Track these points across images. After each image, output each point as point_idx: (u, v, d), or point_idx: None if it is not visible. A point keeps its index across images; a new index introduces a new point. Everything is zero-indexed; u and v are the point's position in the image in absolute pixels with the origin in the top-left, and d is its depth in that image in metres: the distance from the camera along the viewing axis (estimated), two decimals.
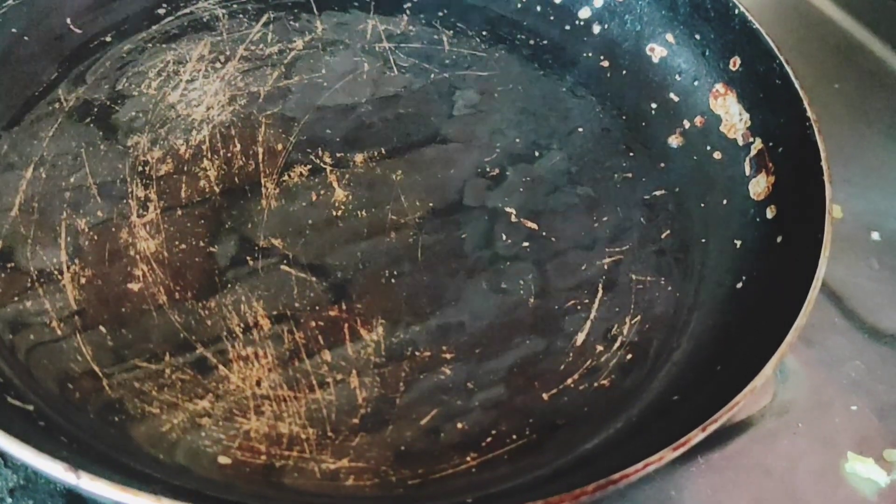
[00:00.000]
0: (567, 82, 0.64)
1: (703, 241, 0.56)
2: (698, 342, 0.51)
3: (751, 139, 0.57)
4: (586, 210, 0.57)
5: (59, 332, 0.47)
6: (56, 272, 0.49)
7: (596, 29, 0.66)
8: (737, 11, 0.59)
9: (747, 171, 0.57)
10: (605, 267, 0.54)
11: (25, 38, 0.58)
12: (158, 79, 0.59)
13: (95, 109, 0.57)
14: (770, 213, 0.54)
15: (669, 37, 0.63)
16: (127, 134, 0.56)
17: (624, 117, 0.62)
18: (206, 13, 0.64)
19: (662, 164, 0.60)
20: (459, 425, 0.46)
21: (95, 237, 0.51)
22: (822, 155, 0.51)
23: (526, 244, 0.55)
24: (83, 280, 0.49)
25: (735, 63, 0.59)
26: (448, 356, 0.49)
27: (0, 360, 0.45)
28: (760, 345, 0.44)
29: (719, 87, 0.60)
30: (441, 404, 0.47)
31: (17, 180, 0.52)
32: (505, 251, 0.54)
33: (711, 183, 0.58)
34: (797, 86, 0.54)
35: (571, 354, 0.50)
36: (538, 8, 0.67)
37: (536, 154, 0.59)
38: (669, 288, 0.54)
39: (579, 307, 0.52)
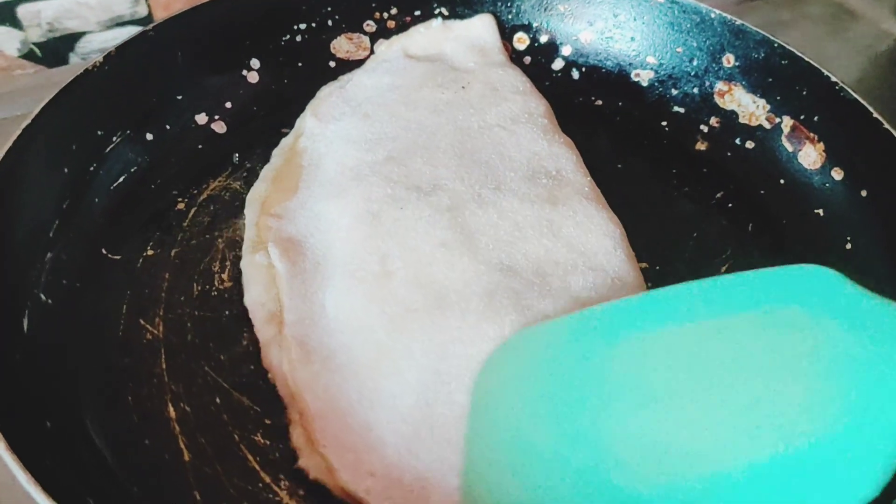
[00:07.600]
0: None
1: (784, 222, 0.58)
2: None
3: (777, 120, 0.61)
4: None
5: None
6: None
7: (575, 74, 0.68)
8: (712, 15, 0.62)
9: (789, 148, 0.60)
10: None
11: None
12: None
13: None
14: (837, 175, 0.57)
15: (651, 59, 0.66)
16: None
17: (645, 142, 0.64)
18: None
19: (705, 170, 0.62)
20: None
21: None
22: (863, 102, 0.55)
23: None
24: None
25: (728, 60, 0.63)
26: None
27: None
28: None
29: (721, 85, 0.63)
30: None
31: None
32: None
33: (759, 171, 0.61)
34: (806, 58, 0.58)
35: None
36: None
37: None
38: None
39: None
